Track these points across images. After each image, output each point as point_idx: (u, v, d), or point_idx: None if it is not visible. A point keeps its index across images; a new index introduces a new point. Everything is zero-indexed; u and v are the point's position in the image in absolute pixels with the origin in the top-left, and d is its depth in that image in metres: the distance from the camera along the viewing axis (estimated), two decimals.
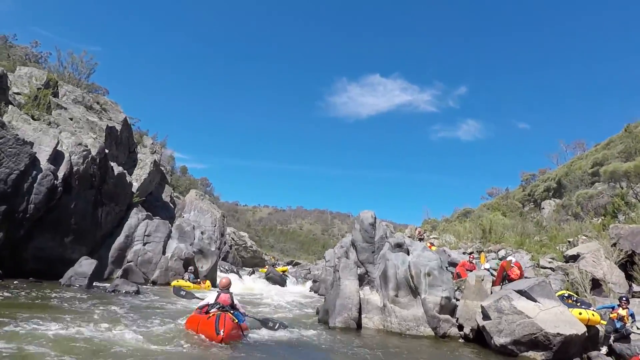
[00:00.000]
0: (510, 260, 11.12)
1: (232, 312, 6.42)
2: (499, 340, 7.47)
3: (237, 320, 6.30)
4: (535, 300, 7.55)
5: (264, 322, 7.60)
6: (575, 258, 13.53)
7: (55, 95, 16.36)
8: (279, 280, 24.34)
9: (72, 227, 13.24)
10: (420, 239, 24.49)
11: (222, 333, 5.68)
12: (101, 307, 7.98)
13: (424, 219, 34.55)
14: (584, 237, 16.20)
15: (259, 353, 5.79)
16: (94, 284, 11.53)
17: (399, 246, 10.65)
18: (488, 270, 10.56)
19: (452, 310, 9.18)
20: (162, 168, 25.08)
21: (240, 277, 23.57)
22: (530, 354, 7.18)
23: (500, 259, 17.00)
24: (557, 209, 27.94)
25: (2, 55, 22.98)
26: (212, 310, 6.36)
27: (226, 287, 7.03)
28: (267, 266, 30.01)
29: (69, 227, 13.11)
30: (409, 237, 25.41)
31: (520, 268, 10.60)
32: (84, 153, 13.97)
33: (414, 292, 9.10)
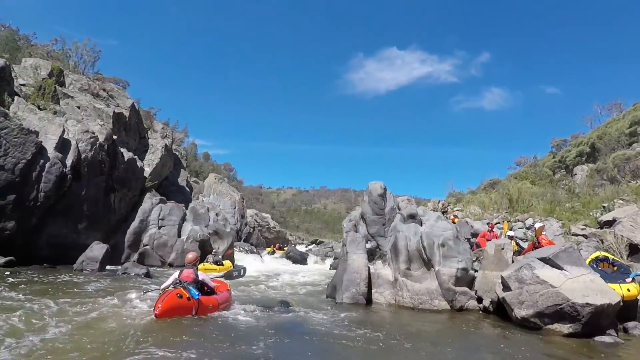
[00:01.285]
0: (543, 227, 10.31)
1: (187, 287, 5.98)
2: (520, 312, 6.82)
3: (188, 296, 5.87)
4: (561, 268, 6.81)
5: (229, 275, 7.36)
6: (610, 224, 12.50)
7: (62, 84, 16.33)
8: (300, 259, 24.25)
9: (85, 214, 13.32)
10: (444, 212, 23.68)
11: (158, 308, 5.35)
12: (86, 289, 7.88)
13: (448, 192, 33.57)
14: (621, 201, 15.01)
15: (220, 330, 5.43)
16: (106, 267, 11.58)
17: (412, 217, 10.03)
18: (511, 238, 9.79)
19: (470, 282, 8.55)
20: (177, 153, 25.11)
21: (261, 257, 23.66)
22: (556, 326, 6.50)
23: (527, 228, 16.07)
24: (590, 173, 26.27)
25: (24, 52, 22.97)
26: (170, 287, 6.02)
27: (191, 263, 6.66)
28: (271, 246, 30.25)
29: (81, 214, 13.19)
30: (432, 210, 24.58)
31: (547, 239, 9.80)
32: (91, 140, 13.92)
33: (427, 264, 8.51)
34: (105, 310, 5.87)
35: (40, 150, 12.03)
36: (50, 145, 12.43)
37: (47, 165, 12.05)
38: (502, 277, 7.48)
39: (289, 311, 6.91)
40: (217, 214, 18.37)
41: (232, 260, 17.96)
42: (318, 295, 9.42)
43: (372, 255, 9.72)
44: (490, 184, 34.55)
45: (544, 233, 9.48)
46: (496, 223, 18.14)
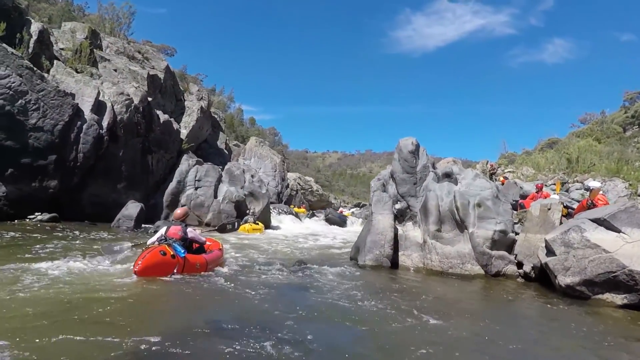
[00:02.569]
0: (599, 188, 9.03)
1: (172, 244, 5.66)
2: (564, 279, 5.98)
3: (172, 253, 5.54)
4: (618, 231, 5.80)
5: (222, 229, 7.05)
6: None
7: (100, 47, 16.61)
8: (339, 221, 24.06)
9: (124, 174, 13.77)
10: (492, 174, 22.12)
11: (138, 265, 5.06)
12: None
13: (501, 153, 31.44)
14: None
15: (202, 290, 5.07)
16: (142, 225, 12.00)
17: (447, 176, 9.18)
18: (560, 199, 8.64)
19: (510, 246, 7.71)
20: (216, 116, 25.25)
21: (300, 219, 23.76)
22: (607, 296, 5.61)
23: (586, 189, 14.47)
24: None
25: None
26: (155, 244, 5.75)
27: (179, 219, 6.30)
28: (293, 205, 30.69)
29: (120, 174, 13.65)
30: (479, 172, 23.04)
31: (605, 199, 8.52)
32: (126, 102, 14.12)
33: (460, 226, 7.74)
34: (88, 267, 5.60)
35: (77, 112, 12.37)
36: (86, 107, 12.75)
37: (84, 126, 12.41)
38: (545, 241, 6.60)
39: (302, 271, 6.54)
40: (252, 176, 18.39)
41: (269, 222, 18.12)
42: (342, 257, 9.06)
43: (402, 216, 9.09)
44: (549, 144, 31.62)
45: (600, 193, 8.24)
46: (550, 184, 16.56)
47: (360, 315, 4.44)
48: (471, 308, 5.46)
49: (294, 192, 38.52)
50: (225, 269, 6.42)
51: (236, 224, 7.60)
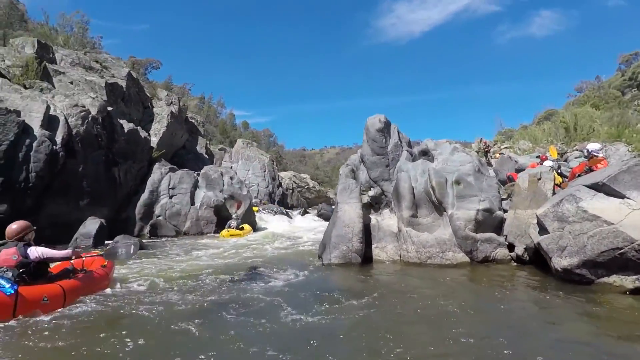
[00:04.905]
0: (599, 150, 8.01)
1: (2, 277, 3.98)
2: (560, 262, 4.92)
3: None
4: (622, 196, 4.73)
5: (110, 254, 5.51)
6: None
7: (53, 61, 15.63)
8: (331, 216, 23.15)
9: (86, 190, 12.79)
10: (487, 152, 21.12)
11: None
12: None
13: (497, 130, 30.46)
14: None
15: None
16: (105, 242, 11.04)
17: (424, 154, 8.16)
18: (551, 167, 7.58)
19: (498, 226, 6.66)
20: (193, 120, 24.26)
21: (291, 217, 22.84)
22: (614, 279, 4.56)
23: (586, 157, 13.40)
24: None
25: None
26: None
27: (14, 237, 4.37)
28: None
29: (81, 191, 12.67)
30: (475, 151, 22.01)
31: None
32: (82, 114, 13.13)
33: (438, 208, 6.70)
34: None
35: (25, 129, 11.42)
36: (35, 123, 11.77)
37: (34, 144, 11.44)
38: (537, 216, 5.56)
39: (248, 281, 5.45)
40: (231, 178, 17.37)
41: (254, 223, 17.15)
42: (312, 256, 8.03)
43: (377, 204, 8.07)
44: (546, 116, 30.47)
45: (600, 154, 7.17)
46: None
47: (296, 330, 3.42)
48: (451, 302, 4.42)
49: (290, 191, 37.62)
50: (110, 291, 4.98)
51: (132, 247, 5.73)
